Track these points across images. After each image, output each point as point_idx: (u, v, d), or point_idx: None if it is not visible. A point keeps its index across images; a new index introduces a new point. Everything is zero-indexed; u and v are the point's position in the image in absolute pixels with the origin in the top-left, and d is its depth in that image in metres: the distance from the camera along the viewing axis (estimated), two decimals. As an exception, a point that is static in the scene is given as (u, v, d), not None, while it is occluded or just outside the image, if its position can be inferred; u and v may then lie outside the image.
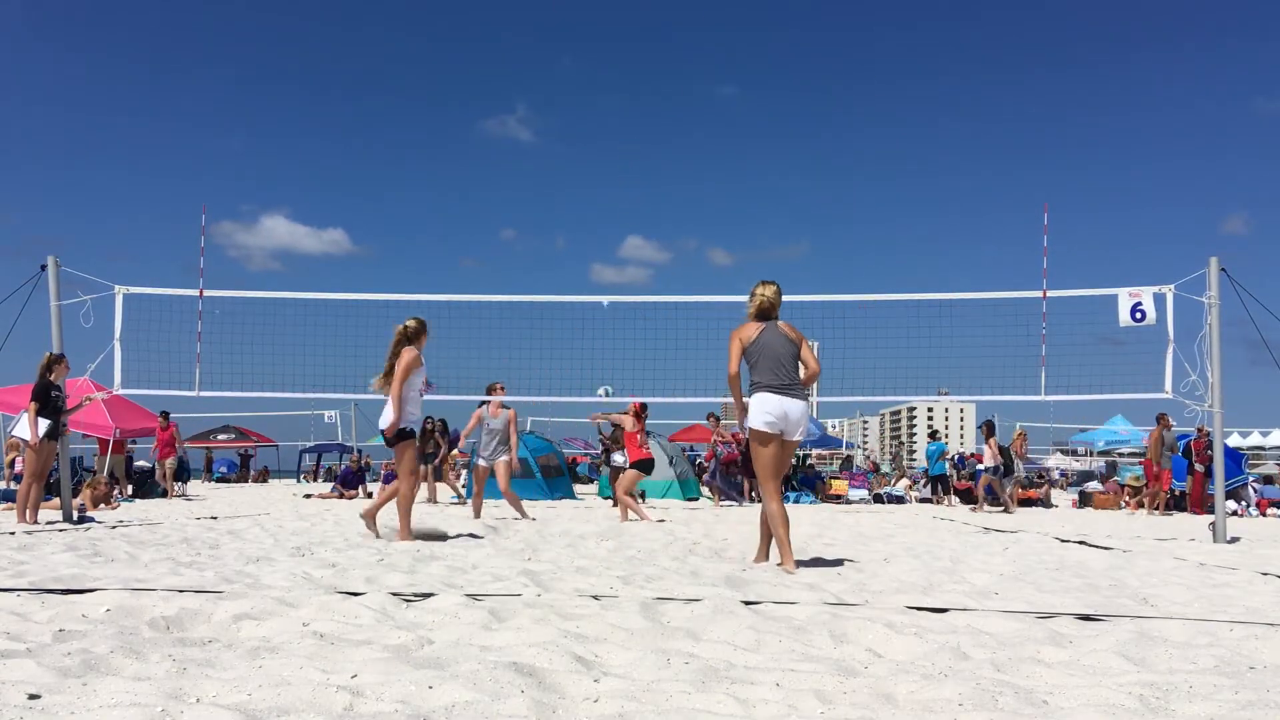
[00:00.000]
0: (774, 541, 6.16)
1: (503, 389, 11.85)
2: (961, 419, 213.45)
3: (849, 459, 33.95)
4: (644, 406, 12.76)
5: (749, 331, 6.26)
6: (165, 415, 19.18)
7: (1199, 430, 17.36)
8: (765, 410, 6.06)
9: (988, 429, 17.70)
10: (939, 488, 20.58)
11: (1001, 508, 17.03)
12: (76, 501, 11.07)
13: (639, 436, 12.58)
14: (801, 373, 6.25)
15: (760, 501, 6.45)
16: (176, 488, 19.18)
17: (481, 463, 12.06)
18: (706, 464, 18.57)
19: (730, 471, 18.04)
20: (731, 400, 6.48)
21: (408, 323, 8.03)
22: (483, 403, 11.99)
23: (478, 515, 11.90)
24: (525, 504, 15.19)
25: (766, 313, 6.34)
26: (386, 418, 7.84)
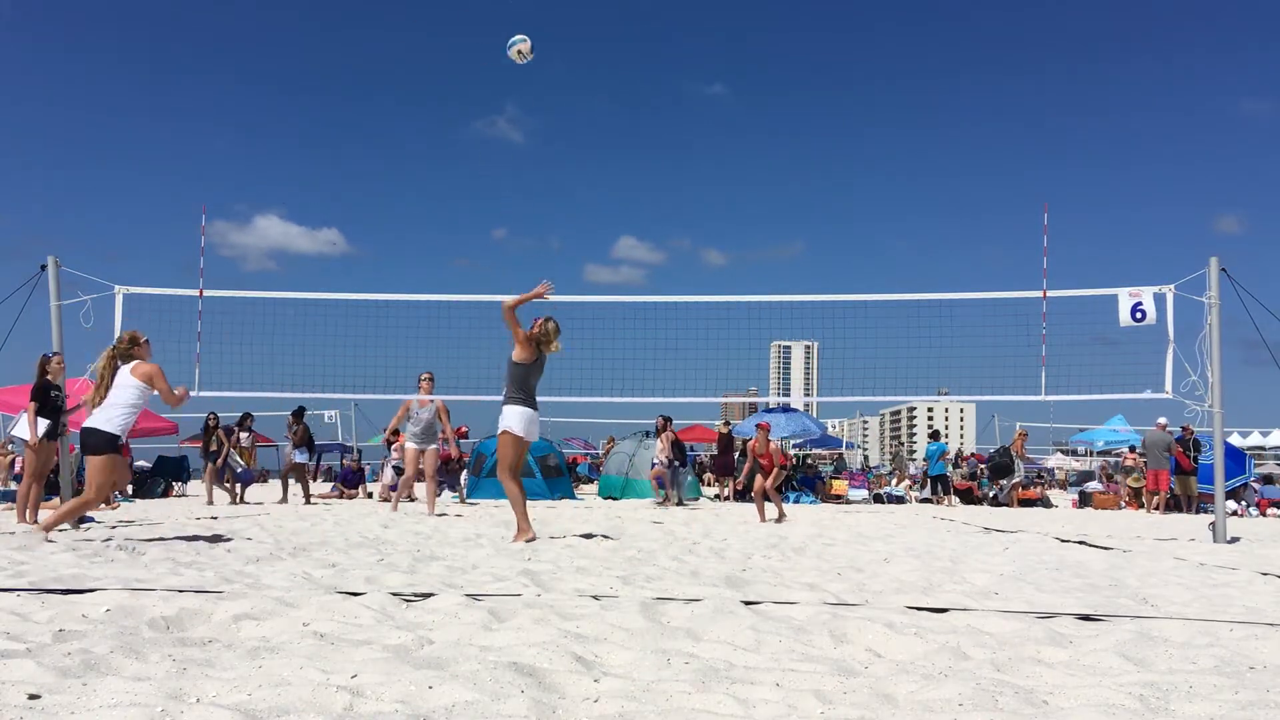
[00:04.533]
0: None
1: (430, 379, 12.20)
2: (961, 419, 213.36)
3: (840, 457, 33.95)
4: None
5: (533, 346, 7.84)
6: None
7: (1184, 429, 17.39)
8: (524, 420, 7.84)
9: (662, 422, 17.50)
10: (939, 488, 20.58)
11: (674, 502, 16.79)
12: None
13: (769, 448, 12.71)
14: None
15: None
16: (176, 488, 19.21)
17: (412, 446, 12.23)
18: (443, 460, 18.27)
19: (452, 469, 17.67)
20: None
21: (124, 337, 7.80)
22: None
23: (395, 508, 12.16)
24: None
25: (541, 343, 7.90)
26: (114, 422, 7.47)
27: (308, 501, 15.81)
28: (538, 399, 8.03)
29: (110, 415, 7.46)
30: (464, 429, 18.93)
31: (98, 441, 7.48)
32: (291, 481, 16.57)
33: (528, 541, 7.60)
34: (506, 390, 7.93)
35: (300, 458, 16.33)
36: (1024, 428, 22.76)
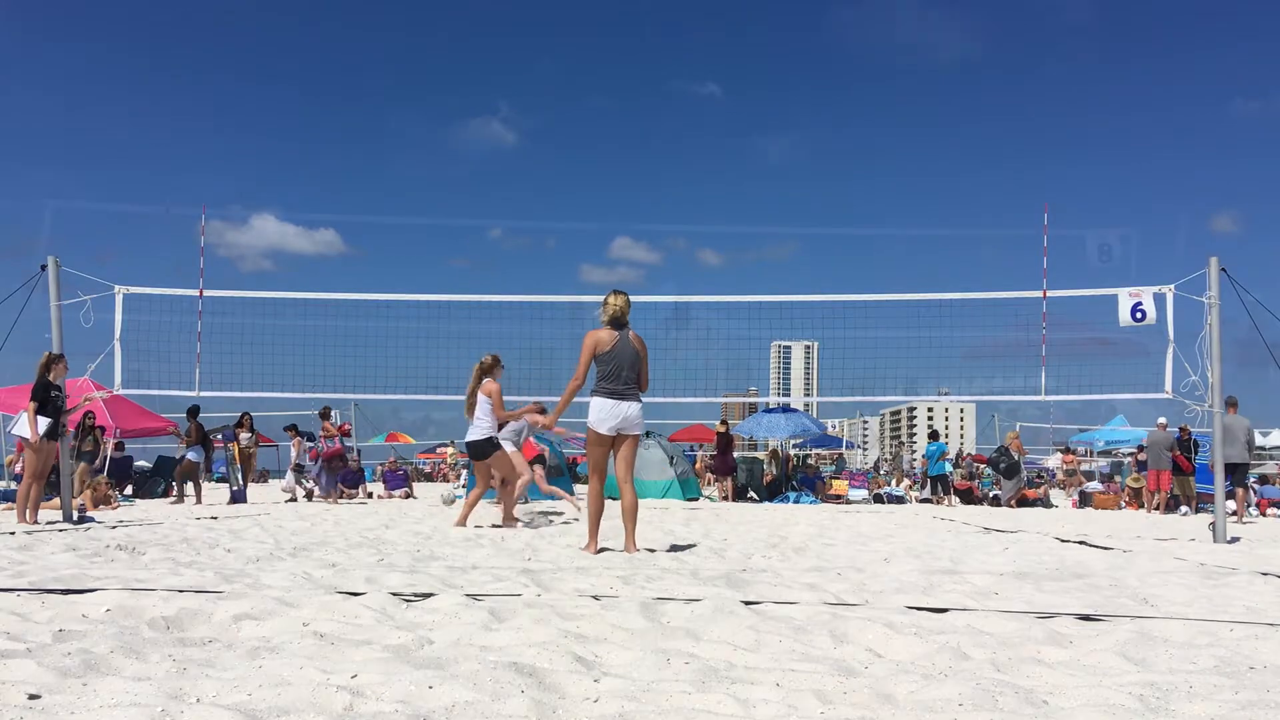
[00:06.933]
0: (628, 528, 7.16)
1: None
2: (961, 419, 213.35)
3: (840, 457, 33.95)
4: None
5: (604, 338, 6.82)
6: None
7: (1181, 430, 17.40)
8: (604, 414, 6.77)
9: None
10: (939, 488, 20.58)
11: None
12: (76, 502, 11.06)
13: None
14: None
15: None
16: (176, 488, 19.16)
17: (514, 448, 11.83)
18: (311, 460, 18.00)
19: (334, 468, 17.57)
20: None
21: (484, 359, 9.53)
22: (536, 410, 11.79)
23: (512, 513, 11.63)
24: (520, 505, 15.20)
25: (618, 320, 6.88)
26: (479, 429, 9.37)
27: (198, 502, 15.55)
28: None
29: (479, 425, 9.31)
30: (346, 426, 18.71)
31: (481, 448, 9.32)
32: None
33: (596, 553, 6.86)
34: None
35: (194, 456, 16.26)
36: (1022, 427, 22.82)
